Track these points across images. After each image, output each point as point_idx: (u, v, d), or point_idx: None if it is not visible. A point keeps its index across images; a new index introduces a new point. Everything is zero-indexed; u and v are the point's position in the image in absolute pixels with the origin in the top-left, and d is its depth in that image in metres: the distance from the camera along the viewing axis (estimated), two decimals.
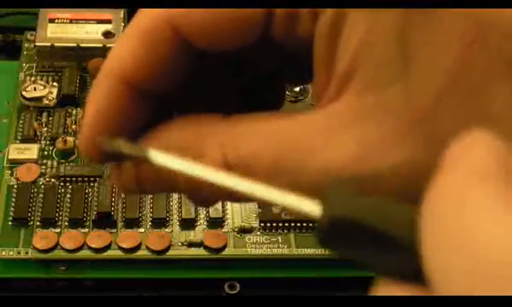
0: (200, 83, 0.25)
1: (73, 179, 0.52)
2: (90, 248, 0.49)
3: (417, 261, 0.16)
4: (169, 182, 0.23)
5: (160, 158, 0.22)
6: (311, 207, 0.18)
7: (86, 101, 0.24)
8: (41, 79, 0.57)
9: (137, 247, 0.49)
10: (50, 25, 0.58)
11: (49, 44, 0.58)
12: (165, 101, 0.24)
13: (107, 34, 0.58)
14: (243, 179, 0.20)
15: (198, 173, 0.21)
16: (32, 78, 0.58)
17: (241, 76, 0.26)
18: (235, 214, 0.51)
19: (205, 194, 0.23)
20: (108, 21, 0.59)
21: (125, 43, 0.23)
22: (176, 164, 0.21)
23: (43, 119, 0.56)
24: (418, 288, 0.16)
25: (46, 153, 0.54)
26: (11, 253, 0.48)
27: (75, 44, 0.58)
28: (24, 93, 0.56)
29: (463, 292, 0.14)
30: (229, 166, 0.21)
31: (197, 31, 0.22)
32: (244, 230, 0.50)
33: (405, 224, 0.16)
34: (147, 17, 0.23)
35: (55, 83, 0.57)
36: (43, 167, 0.53)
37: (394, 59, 0.19)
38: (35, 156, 0.53)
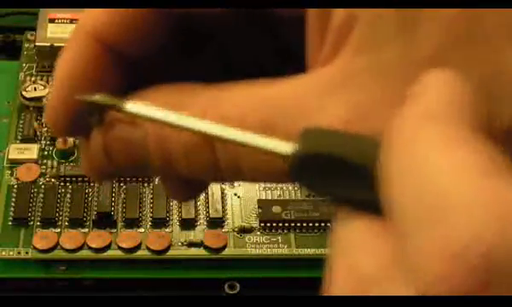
0: (180, 48, 0.23)
1: (73, 179, 0.52)
2: (89, 248, 0.49)
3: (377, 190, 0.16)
4: (140, 153, 0.21)
5: (137, 107, 0.20)
6: (284, 147, 0.18)
7: (55, 66, 0.22)
8: (41, 79, 0.57)
9: (137, 247, 0.49)
10: (50, 25, 0.58)
11: (49, 44, 0.58)
12: (141, 67, 0.23)
13: None
14: (219, 124, 0.19)
15: (174, 120, 0.20)
16: (32, 78, 0.58)
17: (223, 58, 0.24)
18: (235, 214, 0.51)
19: (179, 168, 0.21)
20: None
21: (94, 12, 0.22)
22: (153, 112, 0.20)
23: (43, 119, 0.56)
24: (378, 219, 0.17)
25: (46, 153, 0.54)
26: (11, 253, 0.48)
27: None
28: (24, 93, 0.56)
29: (413, 221, 0.15)
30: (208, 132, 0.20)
31: None
32: (244, 230, 0.50)
33: (371, 155, 0.17)
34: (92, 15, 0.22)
35: None
36: (43, 167, 0.53)
37: (392, 16, 0.18)
38: (35, 156, 0.53)
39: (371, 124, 0.18)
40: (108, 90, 0.21)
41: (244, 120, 0.19)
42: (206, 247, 0.49)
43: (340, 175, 0.17)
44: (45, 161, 0.53)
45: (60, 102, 0.22)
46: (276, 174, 0.19)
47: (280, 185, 0.51)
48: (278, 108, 0.19)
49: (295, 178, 0.18)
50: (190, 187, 0.24)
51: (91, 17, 0.22)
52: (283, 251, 0.50)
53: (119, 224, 0.50)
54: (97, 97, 0.21)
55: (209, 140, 0.20)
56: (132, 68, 0.22)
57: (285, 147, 0.18)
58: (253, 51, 0.24)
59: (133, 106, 0.20)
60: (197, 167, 0.20)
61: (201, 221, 0.51)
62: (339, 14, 0.19)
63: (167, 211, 0.51)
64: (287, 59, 0.24)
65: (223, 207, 0.51)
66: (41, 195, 0.51)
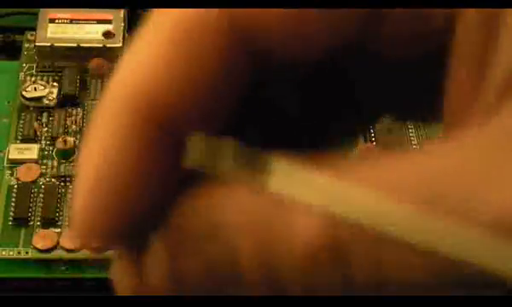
0: (256, 114, 0.17)
1: (73, 179, 0.52)
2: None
3: None
4: (227, 274, 0.14)
5: (294, 183, 0.13)
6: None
7: (81, 154, 0.15)
8: (41, 79, 0.57)
9: None
10: (50, 25, 0.58)
11: (49, 44, 0.58)
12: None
13: (107, 34, 0.58)
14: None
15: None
16: (32, 78, 0.57)
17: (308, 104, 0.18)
18: None
19: (289, 289, 0.14)
20: (108, 21, 0.59)
21: (146, 52, 0.15)
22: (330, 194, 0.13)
23: (43, 119, 0.56)
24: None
25: (46, 153, 0.54)
26: (11, 253, 0.48)
27: (75, 44, 0.58)
28: (24, 93, 0.56)
29: None
30: (333, 236, 0.13)
31: (269, 27, 0.15)
32: None
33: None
34: (180, 13, 0.15)
35: (55, 83, 0.57)
36: (43, 167, 0.53)
37: None
38: (35, 156, 0.53)
39: None
40: (166, 184, 0.15)
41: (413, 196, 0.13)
42: None
43: None
44: (45, 161, 0.53)
45: (101, 210, 0.15)
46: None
47: None
48: (448, 184, 0.13)
49: None
50: None
51: (138, 78, 0.15)
52: None
53: None
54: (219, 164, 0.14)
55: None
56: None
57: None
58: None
59: (284, 180, 0.13)
60: (317, 287, 0.14)
61: None
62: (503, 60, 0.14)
63: None
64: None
65: None
66: (41, 195, 0.51)
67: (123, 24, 0.59)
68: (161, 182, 0.15)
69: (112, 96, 0.15)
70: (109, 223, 0.15)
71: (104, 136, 0.14)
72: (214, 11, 0.14)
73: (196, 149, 0.14)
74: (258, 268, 0.14)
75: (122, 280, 0.17)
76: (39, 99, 0.56)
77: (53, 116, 0.56)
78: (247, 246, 0.14)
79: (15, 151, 0.53)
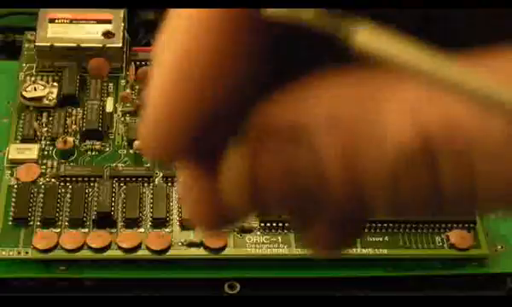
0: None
1: (73, 179, 0.52)
2: (90, 248, 0.49)
3: None
4: (310, 183, 0.13)
5: (378, 38, 0.12)
6: None
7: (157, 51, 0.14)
8: (41, 79, 0.57)
9: (137, 247, 0.49)
10: (50, 25, 0.58)
11: (49, 44, 0.58)
12: (290, 45, 0.14)
13: (107, 34, 0.58)
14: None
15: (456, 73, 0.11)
16: (32, 78, 0.58)
17: None
18: None
19: (375, 201, 0.13)
20: (108, 21, 0.59)
21: None
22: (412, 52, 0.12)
23: (43, 119, 0.56)
24: None
25: (46, 153, 0.54)
26: (11, 253, 0.48)
27: (75, 44, 0.58)
28: (24, 93, 0.56)
29: None
30: (427, 138, 0.13)
31: None
32: (244, 230, 0.50)
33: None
34: None
35: (55, 84, 0.57)
36: (43, 167, 0.53)
37: None
38: (35, 156, 0.53)
39: None
40: (253, 83, 0.14)
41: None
42: (206, 247, 0.49)
43: None
44: (45, 161, 0.53)
45: (182, 103, 0.14)
46: None
47: None
48: None
49: None
50: (348, 230, 0.16)
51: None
52: (283, 251, 0.50)
53: (119, 224, 0.50)
54: (300, 11, 0.12)
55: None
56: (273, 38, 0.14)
57: None
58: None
59: (370, 35, 0.12)
60: (405, 196, 0.13)
61: None
62: None
63: (167, 211, 0.51)
64: None
65: None
66: (41, 195, 0.51)
67: (123, 24, 0.59)
68: (244, 79, 0.14)
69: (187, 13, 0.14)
70: (191, 119, 0.14)
71: (182, 31, 0.13)
72: None
73: (278, 8, 0.13)
74: (343, 171, 0.13)
75: (195, 192, 0.15)
76: (39, 99, 0.56)
77: (53, 116, 0.56)
78: (333, 146, 0.13)
79: (15, 151, 0.53)
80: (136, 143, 0.54)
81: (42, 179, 0.52)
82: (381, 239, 0.50)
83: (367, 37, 0.12)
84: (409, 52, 0.12)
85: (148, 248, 0.49)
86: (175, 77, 0.13)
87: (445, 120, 0.13)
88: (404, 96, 0.13)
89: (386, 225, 0.50)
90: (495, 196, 0.13)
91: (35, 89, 0.56)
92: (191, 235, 0.50)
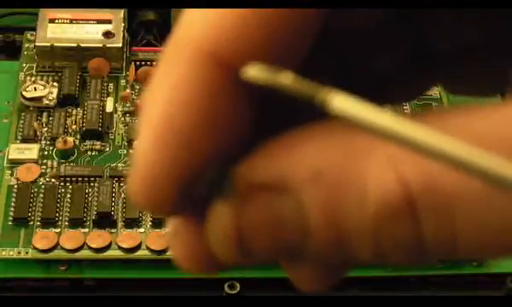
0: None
1: (73, 179, 0.52)
2: (90, 248, 0.49)
3: None
4: (294, 234, 0.14)
5: (353, 105, 0.12)
6: None
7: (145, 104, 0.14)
8: (41, 79, 0.57)
9: (137, 247, 0.49)
10: (50, 25, 0.58)
11: (49, 44, 0.58)
12: (271, 101, 0.15)
13: (107, 34, 0.58)
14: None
15: (423, 136, 0.12)
16: (32, 78, 0.57)
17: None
18: None
19: (357, 252, 0.14)
20: (108, 21, 0.59)
21: (210, 11, 0.14)
22: (383, 118, 0.12)
23: (43, 119, 0.56)
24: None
25: (46, 153, 0.54)
26: (11, 253, 0.48)
27: (75, 44, 0.58)
28: (24, 93, 0.56)
29: None
30: (407, 191, 0.13)
31: None
32: None
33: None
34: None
35: (55, 84, 0.57)
36: (43, 167, 0.53)
37: None
38: (35, 156, 0.53)
39: None
40: (233, 134, 0.14)
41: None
42: None
43: None
44: (45, 161, 0.53)
45: (164, 168, 0.14)
46: None
47: None
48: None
49: None
50: (332, 273, 0.16)
51: (204, 26, 0.14)
52: None
53: (119, 224, 0.50)
54: (279, 76, 0.13)
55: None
56: (260, 100, 0.15)
57: None
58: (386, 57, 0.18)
59: (346, 102, 0.13)
60: (387, 249, 0.14)
61: None
62: None
63: None
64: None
65: None
66: (41, 195, 0.51)
67: (123, 24, 0.59)
68: (225, 128, 0.14)
69: (179, 44, 0.14)
70: (175, 175, 0.14)
71: (172, 80, 0.14)
72: None
73: (258, 67, 0.13)
74: (326, 223, 0.14)
75: (181, 246, 0.15)
76: (39, 99, 0.56)
77: (53, 116, 0.56)
78: (316, 198, 0.13)
79: (15, 151, 0.53)
80: (136, 143, 0.54)
81: (42, 179, 0.52)
82: None
83: (342, 103, 0.13)
84: (382, 119, 0.12)
85: (148, 248, 0.49)
86: (160, 133, 0.14)
87: (426, 176, 0.13)
88: (386, 151, 0.13)
89: None
90: (475, 247, 0.13)
91: (35, 89, 0.56)
92: None
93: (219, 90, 0.14)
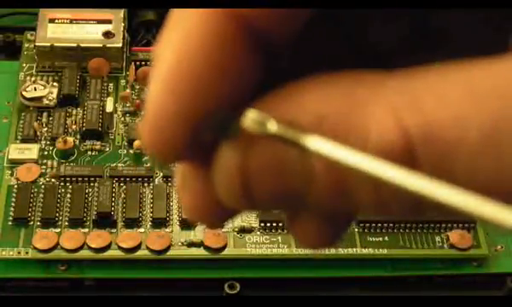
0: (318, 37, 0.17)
1: (73, 179, 0.52)
2: (90, 248, 0.49)
3: None
4: (297, 180, 0.14)
5: (329, 147, 0.13)
6: None
7: (158, 52, 0.15)
8: (41, 79, 0.57)
9: (137, 247, 0.49)
10: (50, 25, 0.58)
11: (49, 44, 0.58)
12: (279, 57, 0.16)
13: (107, 34, 0.58)
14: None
15: (400, 178, 0.13)
16: (32, 78, 0.58)
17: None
18: None
19: (359, 201, 0.14)
20: (108, 21, 0.59)
21: None
22: (359, 159, 0.13)
23: (43, 119, 0.56)
24: None
25: (46, 153, 0.54)
26: (11, 253, 0.48)
27: (75, 44, 0.58)
28: (24, 93, 0.56)
29: None
30: (408, 139, 0.13)
31: None
32: (244, 230, 0.50)
33: None
34: None
35: (55, 84, 0.57)
36: (43, 167, 0.53)
37: None
38: (35, 156, 0.53)
39: None
40: (243, 85, 0.15)
41: (462, 126, 0.13)
42: (206, 247, 0.49)
43: None
44: (45, 161, 0.53)
45: (175, 112, 0.14)
46: None
47: None
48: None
49: None
50: (335, 226, 0.16)
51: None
52: (283, 251, 0.50)
53: (119, 224, 0.50)
54: (260, 117, 0.14)
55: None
56: (270, 55, 0.15)
57: None
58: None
59: (322, 144, 0.14)
60: (388, 196, 0.14)
61: None
62: None
63: (167, 211, 0.51)
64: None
65: None
66: (41, 195, 0.51)
67: (123, 24, 0.59)
68: (236, 80, 0.15)
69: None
70: (187, 118, 0.14)
71: (185, 28, 0.15)
72: None
73: (251, 116, 0.14)
74: (329, 166, 0.14)
75: (189, 194, 0.16)
76: (39, 99, 0.56)
77: (53, 116, 0.56)
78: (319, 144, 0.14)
79: (15, 151, 0.53)
80: (136, 143, 0.54)
81: (42, 179, 0.52)
82: (380, 239, 0.50)
83: (322, 146, 0.14)
84: (357, 159, 0.13)
85: (148, 248, 0.49)
86: (172, 78, 0.14)
87: (426, 124, 0.13)
88: (389, 100, 0.14)
89: (386, 225, 0.50)
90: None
91: (35, 89, 0.56)
92: (191, 235, 0.50)
93: (231, 39, 0.15)
